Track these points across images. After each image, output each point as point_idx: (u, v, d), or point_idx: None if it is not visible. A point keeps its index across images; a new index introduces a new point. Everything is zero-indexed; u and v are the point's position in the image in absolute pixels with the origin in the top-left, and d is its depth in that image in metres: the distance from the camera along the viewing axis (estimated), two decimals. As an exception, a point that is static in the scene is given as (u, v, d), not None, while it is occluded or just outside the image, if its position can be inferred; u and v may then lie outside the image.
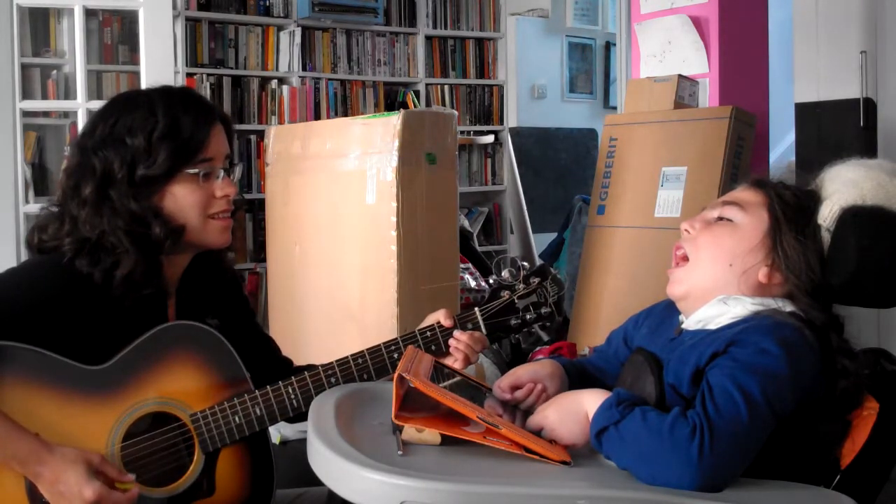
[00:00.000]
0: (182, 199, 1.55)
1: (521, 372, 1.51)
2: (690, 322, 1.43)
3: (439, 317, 1.63)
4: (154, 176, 1.52)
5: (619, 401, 1.25)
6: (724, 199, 1.48)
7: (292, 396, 1.54)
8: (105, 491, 1.38)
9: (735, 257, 1.41)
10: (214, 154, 1.57)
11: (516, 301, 1.63)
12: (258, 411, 1.53)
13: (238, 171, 1.63)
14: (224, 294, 1.73)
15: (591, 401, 1.30)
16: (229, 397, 1.53)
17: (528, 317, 1.63)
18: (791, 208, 1.42)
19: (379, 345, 1.60)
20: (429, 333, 1.62)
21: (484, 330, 1.63)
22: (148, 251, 1.52)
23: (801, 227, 1.40)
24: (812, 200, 1.43)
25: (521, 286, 1.64)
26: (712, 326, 1.39)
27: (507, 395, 1.48)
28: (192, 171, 1.54)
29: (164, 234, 1.53)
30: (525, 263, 1.66)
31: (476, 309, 1.64)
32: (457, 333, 1.61)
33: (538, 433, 1.34)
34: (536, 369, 1.51)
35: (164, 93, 1.60)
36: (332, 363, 1.58)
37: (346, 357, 1.59)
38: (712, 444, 1.16)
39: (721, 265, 1.42)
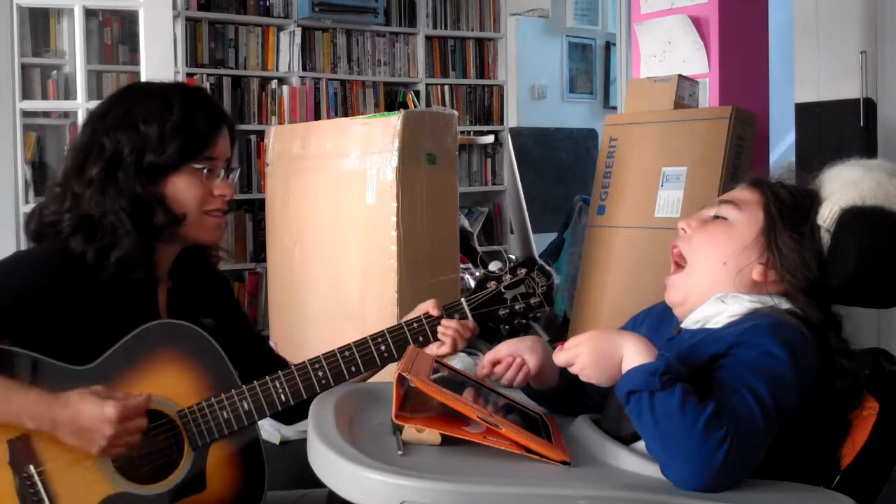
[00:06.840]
0: (182, 191, 1.60)
1: (501, 347, 1.51)
2: (689, 321, 1.43)
3: (427, 307, 1.64)
4: (161, 164, 1.57)
5: (664, 371, 1.20)
6: (721, 199, 1.49)
7: (280, 390, 1.55)
8: (121, 404, 1.41)
9: (729, 255, 1.41)
10: (219, 154, 1.64)
11: (503, 291, 1.64)
12: (246, 406, 1.53)
13: (235, 175, 1.69)
14: (216, 296, 1.76)
15: (629, 348, 1.27)
16: (216, 393, 1.53)
17: (516, 306, 1.63)
18: (787, 206, 1.41)
19: (366, 337, 1.60)
20: (416, 325, 1.62)
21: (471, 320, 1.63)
22: (147, 235, 1.56)
23: (798, 225, 1.40)
24: (810, 199, 1.43)
25: (508, 277, 1.65)
26: (711, 325, 1.38)
27: (486, 370, 1.48)
28: (197, 165, 1.60)
29: (166, 222, 1.58)
30: (512, 256, 1.66)
31: (462, 299, 1.64)
32: (445, 321, 1.62)
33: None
34: (516, 343, 1.51)
35: (181, 88, 1.68)
36: (318, 356, 1.59)
37: (333, 350, 1.59)
38: (736, 455, 1.15)
39: (715, 264, 1.42)
